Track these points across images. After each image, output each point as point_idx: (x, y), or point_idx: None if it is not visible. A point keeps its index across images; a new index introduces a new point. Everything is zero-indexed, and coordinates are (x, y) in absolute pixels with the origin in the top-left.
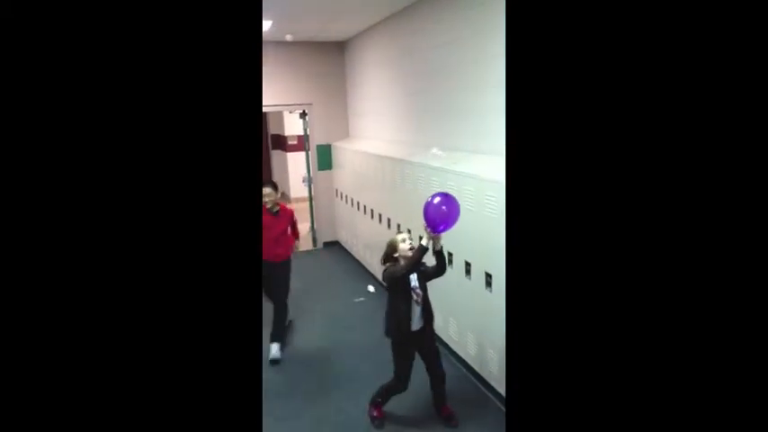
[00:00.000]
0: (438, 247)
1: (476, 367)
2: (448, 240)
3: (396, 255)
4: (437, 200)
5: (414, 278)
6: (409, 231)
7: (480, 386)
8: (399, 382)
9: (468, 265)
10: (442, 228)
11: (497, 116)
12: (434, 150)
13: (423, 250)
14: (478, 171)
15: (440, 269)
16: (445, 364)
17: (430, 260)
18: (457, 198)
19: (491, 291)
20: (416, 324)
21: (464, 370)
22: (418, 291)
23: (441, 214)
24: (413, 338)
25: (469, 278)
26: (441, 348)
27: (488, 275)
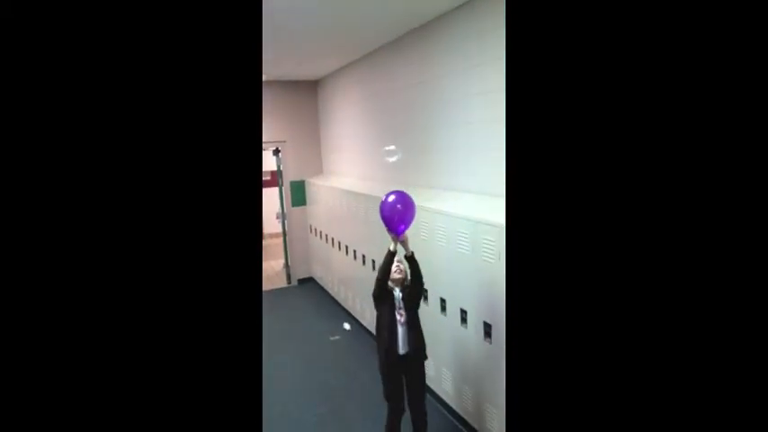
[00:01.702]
0: (408, 253)
1: (475, 425)
2: (428, 280)
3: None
4: (391, 198)
5: (399, 299)
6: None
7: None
8: (392, 406)
9: (443, 301)
10: (402, 228)
11: (469, 154)
12: (389, 148)
13: (390, 254)
14: (450, 208)
15: (414, 277)
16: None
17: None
18: (427, 230)
19: (466, 326)
20: (402, 347)
21: (460, 426)
22: (402, 311)
23: (397, 213)
24: (398, 362)
25: (445, 314)
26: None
27: (463, 311)
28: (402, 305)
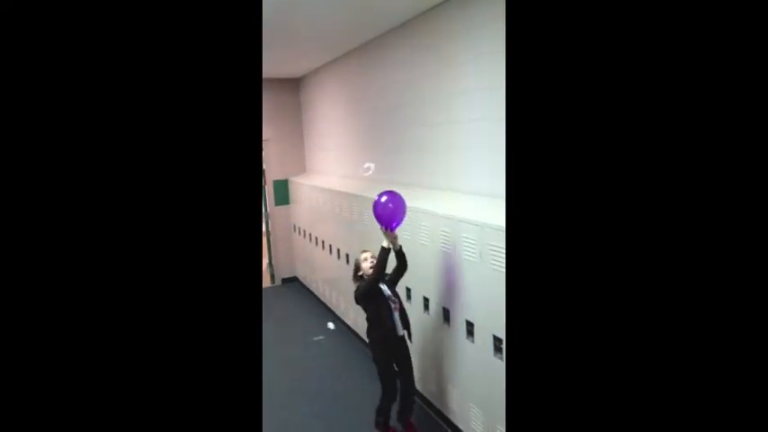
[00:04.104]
0: (397, 247)
1: (438, 406)
2: (411, 278)
3: (360, 273)
4: (384, 198)
5: (385, 288)
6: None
7: (441, 422)
8: (389, 392)
9: (426, 300)
10: (394, 224)
11: (453, 153)
12: (367, 165)
13: (385, 251)
14: (434, 207)
15: (401, 267)
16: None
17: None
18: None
19: (449, 325)
20: (399, 330)
21: (425, 407)
22: (394, 298)
23: (388, 211)
24: (397, 344)
25: (428, 313)
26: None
27: (446, 310)
28: (391, 293)
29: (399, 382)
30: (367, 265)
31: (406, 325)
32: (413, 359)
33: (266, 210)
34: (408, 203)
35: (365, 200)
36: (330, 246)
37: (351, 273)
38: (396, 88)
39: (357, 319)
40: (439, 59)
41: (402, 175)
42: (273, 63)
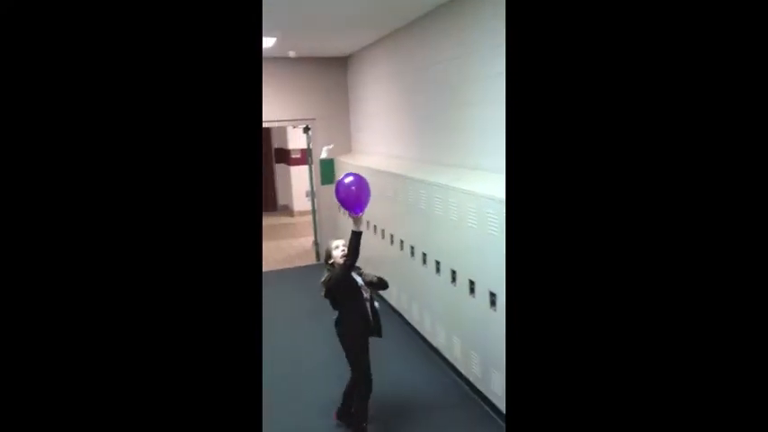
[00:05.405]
0: (359, 229)
1: (481, 388)
2: (455, 259)
3: (331, 261)
4: (348, 179)
5: (358, 278)
6: (412, 248)
7: (485, 406)
8: (367, 382)
9: (472, 283)
10: (358, 209)
11: (499, 133)
12: (325, 148)
13: (357, 235)
14: (479, 188)
15: (355, 252)
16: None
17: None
18: (456, 210)
19: (495, 309)
20: (371, 321)
21: (469, 390)
22: (366, 288)
23: (351, 195)
24: (367, 334)
25: (473, 296)
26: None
27: (493, 294)
28: (363, 283)
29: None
30: (338, 254)
31: (377, 319)
32: (457, 341)
33: (312, 189)
34: (454, 185)
35: (410, 180)
36: (375, 226)
37: (395, 253)
38: (441, 68)
39: (398, 296)
40: (486, 38)
41: (448, 156)
42: (320, 43)
